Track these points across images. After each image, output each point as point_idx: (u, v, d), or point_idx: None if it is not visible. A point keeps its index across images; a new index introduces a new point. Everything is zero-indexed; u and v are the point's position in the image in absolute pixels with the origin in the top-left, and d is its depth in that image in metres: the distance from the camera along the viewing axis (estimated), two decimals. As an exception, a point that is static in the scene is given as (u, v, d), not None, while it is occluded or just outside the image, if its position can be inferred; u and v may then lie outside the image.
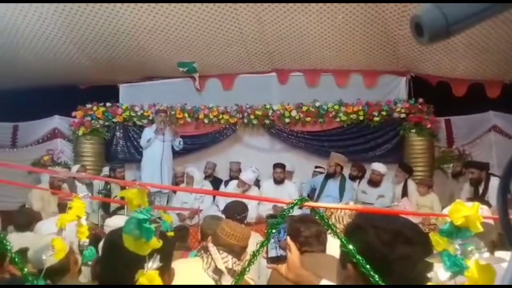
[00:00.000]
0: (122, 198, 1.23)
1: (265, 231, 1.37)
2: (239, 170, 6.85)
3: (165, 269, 1.27)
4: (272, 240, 1.33)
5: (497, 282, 0.93)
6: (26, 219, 3.70)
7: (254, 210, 5.68)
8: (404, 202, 5.04)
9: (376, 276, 1.00)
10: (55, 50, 6.26)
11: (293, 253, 1.35)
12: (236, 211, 3.88)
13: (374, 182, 6.20)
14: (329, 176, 6.20)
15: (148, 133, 6.47)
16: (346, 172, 6.53)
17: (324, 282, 1.36)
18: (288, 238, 1.36)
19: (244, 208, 4.04)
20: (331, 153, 6.48)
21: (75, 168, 6.51)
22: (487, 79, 6.63)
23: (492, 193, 5.33)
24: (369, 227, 1.06)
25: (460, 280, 0.94)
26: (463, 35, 5.59)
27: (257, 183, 6.59)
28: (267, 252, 1.34)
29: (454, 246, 0.97)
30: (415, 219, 3.16)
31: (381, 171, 6.18)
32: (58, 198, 5.38)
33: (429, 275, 0.97)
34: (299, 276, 1.35)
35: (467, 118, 7.25)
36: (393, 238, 1.02)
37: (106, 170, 6.65)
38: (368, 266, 1.01)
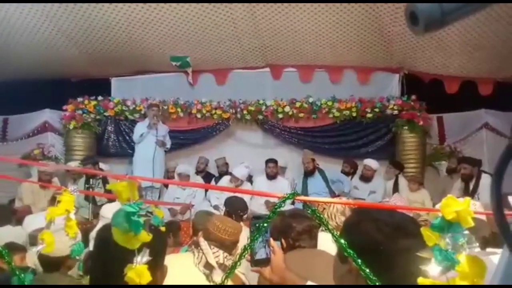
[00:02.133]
0: (110, 191, 1.21)
1: (251, 230, 1.33)
2: (226, 164, 6.86)
3: (157, 265, 1.25)
4: (259, 241, 1.30)
5: (487, 276, 0.93)
6: None
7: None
8: (395, 198, 5.06)
9: (368, 272, 0.99)
10: (46, 42, 6.18)
11: (277, 255, 1.32)
12: (239, 207, 3.92)
13: (366, 178, 6.29)
14: (309, 173, 6.29)
15: (140, 127, 6.43)
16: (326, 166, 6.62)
17: (310, 284, 1.34)
18: (271, 239, 1.33)
19: (246, 205, 4.09)
20: (304, 150, 6.57)
21: (72, 164, 6.45)
22: (480, 76, 6.66)
23: (483, 190, 5.38)
24: (370, 221, 1.06)
25: (451, 274, 0.94)
26: (456, 33, 5.61)
27: (249, 178, 6.59)
28: (251, 255, 1.31)
29: (445, 240, 0.97)
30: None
31: (372, 167, 6.26)
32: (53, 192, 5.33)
33: (423, 268, 0.97)
34: (283, 278, 1.31)
35: (459, 115, 7.30)
36: (395, 231, 1.02)
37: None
38: (359, 262, 1.01)
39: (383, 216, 1.08)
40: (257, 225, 1.29)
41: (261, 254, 1.30)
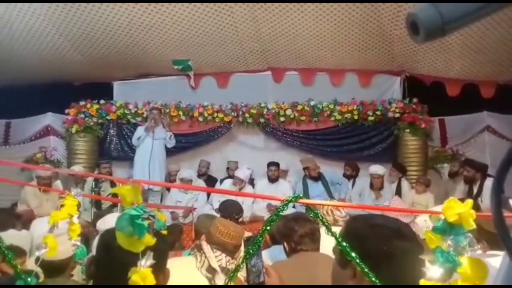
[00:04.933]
0: (115, 195, 1.22)
1: (247, 247, 1.31)
2: (237, 169, 6.87)
3: (160, 269, 1.26)
4: (250, 265, 1.28)
5: (489, 279, 0.93)
6: None
7: (249, 209, 5.69)
8: (396, 201, 5.04)
9: (371, 275, 1.00)
10: (48, 46, 6.21)
11: (272, 278, 1.32)
12: (234, 210, 3.94)
13: (377, 186, 6.14)
14: (314, 179, 6.29)
15: (140, 131, 6.46)
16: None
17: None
18: (265, 261, 1.31)
19: (240, 208, 4.11)
20: (307, 157, 6.56)
21: (75, 168, 6.48)
22: (481, 79, 6.66)
23: (486, 193, 5.36)
24: (368, 226, 1.09)
25: (453, 277, 0.95)
26: (457, 36, 5.61)
27: (251, 182, 6.60)
28: (247, 279, 1.28)
29: (447, 243, 0.97)
30: (407, 218, 3.18)
31: (380, 173, 6.12)
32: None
33: (423, 269, 0.98)
34: None
35: (461, 118, 7.29)
36: (393, 234, 1.05)
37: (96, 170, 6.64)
38: (363, 265, 1.02)
39: (379, 221, 1.11)
40: (250, 242, 1.27)
41: (254, 276, 1.27)
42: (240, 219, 4.11)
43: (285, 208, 1.27)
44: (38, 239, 2.82)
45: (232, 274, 1.23)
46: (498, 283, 0.66)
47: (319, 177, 6.36)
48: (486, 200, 5.22)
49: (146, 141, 6.35)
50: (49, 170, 5.25)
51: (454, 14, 0.54)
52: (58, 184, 5.71)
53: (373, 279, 1.00)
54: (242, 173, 6.16)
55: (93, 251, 2.57)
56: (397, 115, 6.90)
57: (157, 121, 6.40)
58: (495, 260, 1.02)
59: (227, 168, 7.03)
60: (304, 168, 6.57)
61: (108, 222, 3.08)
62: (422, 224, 2.16)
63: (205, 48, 6.65)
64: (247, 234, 2.20)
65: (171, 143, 6.50)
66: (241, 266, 1.26)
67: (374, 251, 1.04)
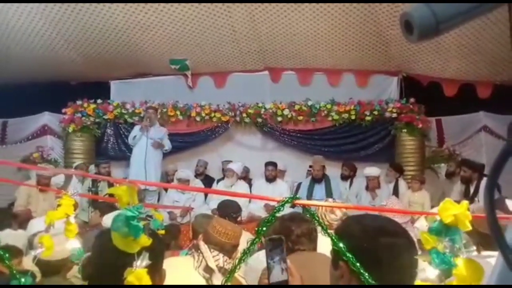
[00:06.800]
0: (112, 195, 1.22)
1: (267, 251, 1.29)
2: None
3: (156, 269, 1.25)
4: (274, 261, 1.25)
5: (485, 279, 0.93)
6: None
7: (245, 209, 5.69)
8: (392, 200, 5.03)
9: (366, 274, 1.00)
10: (45, 45, 6.19)
11: (295, 277, 1.30)
12: (231, 209, 3.93)
13: (372, 187, 6.13)
14: (318, 180, 6.26)
15: (136, 130, 6.47)
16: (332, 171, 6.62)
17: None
18: (288, 261, 1.29)
19: (239, 207, 4.10)
20: (314, 157, 6.52)
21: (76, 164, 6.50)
22: (478, 79, 6.67)
23: (483, 193, 5.37)
24: (356, 225, 1.13)
25: (448, 278, 0.95)
26: (454, 36, 5.63)
27: (249, 181, 6.60)
28: (268, 277, 1.26)
29: (443, 244, 0.98)
30: (403, 218, 3.18)
31: (374, 174, 6.11)
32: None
33: (416, 270, 0.99)
34: None
35: (457, 118, 7.30)
36: (378, 231, 1.07)
37: (92, 168, 6.61)
38: (358, 265, 1.02)
39: (368, 220, 1.16)
40: (269, 241, 1.24)
41: (277, 275, 1.25)
42: (239, 218, 4.10)
43: (282, 209, 1.27)
44: (32, 238, 2.82)
45: (229, 275, 1.23)
46: (492, 283, 0.66)
47: (321, 180, 6.28)
48: (482, 200, 5.23)
49: (141, 140, 6.35)
50: (47, 170, 5.23)
51: (448, 13, 0.54)
52: (59, 182, 5.68)
53: (365, 278, 1.00)
54: (233, 165, 6.27)
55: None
56: (394, 115, 6.91)
57: (152, 120, 6.40)
58: (493, 260, 1.02)
59: (223, 169, 7.03)
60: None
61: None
62: (424, 229, 2.15)
63: (202, 48, 6.65)
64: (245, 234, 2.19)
65: (166, 150, 6.50)
66: (238, 267, 1.26)
67: (361, 248, 1.06)
